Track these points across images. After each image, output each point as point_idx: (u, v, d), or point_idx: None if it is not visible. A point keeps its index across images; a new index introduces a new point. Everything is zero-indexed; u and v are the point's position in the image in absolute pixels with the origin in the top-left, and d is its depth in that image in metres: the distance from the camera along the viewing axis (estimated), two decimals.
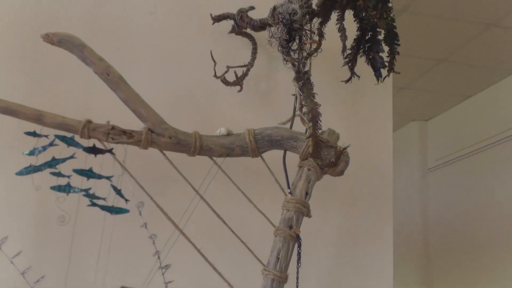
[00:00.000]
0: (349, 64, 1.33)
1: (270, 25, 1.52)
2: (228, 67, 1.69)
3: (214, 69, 1.64)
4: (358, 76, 1.37)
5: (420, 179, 5.35)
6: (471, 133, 5.04)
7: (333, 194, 1.77)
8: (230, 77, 1.68)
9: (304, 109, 1.45)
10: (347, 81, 1.36)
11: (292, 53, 1.50)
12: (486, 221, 4.51)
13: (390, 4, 1.32)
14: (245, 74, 1.71)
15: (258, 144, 1.45)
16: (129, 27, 1.73)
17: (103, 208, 1.35)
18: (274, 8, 1.51)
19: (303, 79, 1.48)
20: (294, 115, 1.52)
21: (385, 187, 1.83)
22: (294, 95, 1.51)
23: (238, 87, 1.69)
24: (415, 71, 4.67)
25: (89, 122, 1.36)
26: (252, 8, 1.70)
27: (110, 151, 1.37)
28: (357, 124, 1.82)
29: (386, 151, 1.85)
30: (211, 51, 1.64)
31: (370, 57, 1.28)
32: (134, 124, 1.38)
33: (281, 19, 1.47)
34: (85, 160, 1.36)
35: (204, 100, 1.74)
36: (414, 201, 5.27)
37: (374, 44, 1.28)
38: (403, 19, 3.47)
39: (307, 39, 1.49)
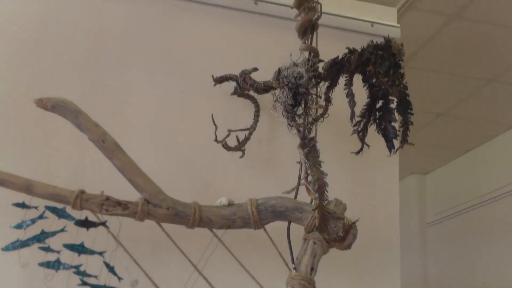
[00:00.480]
0: (360, 134, 1.25)
1: (274, 88, 1.47)
2: (230, 131, 1.62)
3: (215, 134, 1.57)
4: (368, 146, 1.30)
5: (419, 234, 5.25)
6: (471, 187, 4.98)
7: (337, 267, 1.67)
8: (232, 141, 1.60)
9: (310, 178, 1.38)
10: (358, 152, 1.29)
11: (297, 118, 1.43)
12: (487, 279, 4.40)
13: (402, 70, 1.25)
14: (247, 138, 1.64)
15: (261, 216, 1.37)
16: (126, 90, 1.66)
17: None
18: (279, 71, 1.44)
19: (308, 146, 1.41)
20: (299, 184, 1.43)
21: (393, 260, 1.74)
22: (299, 162, 1.44)
23: (240, 153, 1.61)
24: (414, 124, 4.58)
25: (82, 192, 1.27)
26: (255, 69, 1.64)
27: (103, 223, 1.28)
28: (363, 193, 1.74)
29: (394, 223, 1.76)
30: (212, 114, 1.57)
31: (382, 126, 1.21)
32: (130, 194, 1.29)
33: (286, 83, 1.41)
34: (76, 234, 1.27)
35: (205, 167, 1.66)
36: (413, 257, 5.15)
37: (386, 113, 1.21)
38: None
39: (313, 104, 1.42)
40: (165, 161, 1.61)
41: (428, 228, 5.26)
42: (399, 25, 1.86)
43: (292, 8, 1.47)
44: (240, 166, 1.64)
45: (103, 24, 1.69)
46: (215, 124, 1.57)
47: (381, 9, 1.89)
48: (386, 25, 1.85)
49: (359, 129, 1.26)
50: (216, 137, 1.58)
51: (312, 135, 1.43)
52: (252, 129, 1.65)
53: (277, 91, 1.45)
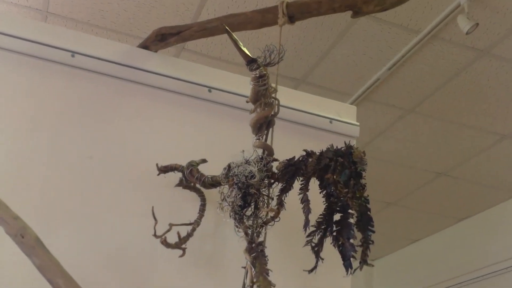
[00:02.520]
0: (315, 249, 1.13)
1: (222, 185, 1.35)
2: (171, 225, 1.48)
3: (154, 228, 1.43)
4: (322, 259, 1.18)
5: None
6: (418, 277, 4.94)
7: None
8: (173, 237, 1.46)
9: (255, 287, 1.24)
10: (311, 270, 1.17)
11: (245, 220, 1.32)
12: None
13: (363, 181, 1.16)
14: (189, 235, 1.50)
15: None
16: (57, 173, 1.51)
17: None
18: (229, 167, 1.34)
19: (256, 251, 1.29)
20: None
21: None
22: (244, 268, 1.31)
23: (180, 251, 1.47)
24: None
25: None
26: (204, 161, 1.53)
27: None
28: None
29: None
30: (152, 207, 1.43)
31: (340, 243, 1.10)
32: None
33: (236, 182, 1.30)
34: None
35: (139, 265, 1.49)
36: None
37: (345, 228, 1.10)
38: None
39: (264, 207, 1.31)
40: (94, 257, 1.44)
41: None
42: (358, 124, 1.79)
43: (247, 102, 1.38)
44: (178, 266, 1.49)
45: (40, 102, 1.55)
46: (155, 218, 1.43)
47: (341, 106, 1.83)
48: (345, 122, 1.78)
49: (314, 242, 1.14)
50: (155, 232, 1.43)
51: (261, 239, 1.32)
52: (196, 224, 1.51)
53: (226, 189, 1.33)
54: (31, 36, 1.56)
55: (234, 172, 1.31)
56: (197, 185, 1.51)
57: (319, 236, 1.14)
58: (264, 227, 1.31)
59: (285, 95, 1.58)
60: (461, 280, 4.48)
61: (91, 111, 1.58)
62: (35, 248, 1.15)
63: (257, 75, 1.35)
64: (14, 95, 1.55)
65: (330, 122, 1.76)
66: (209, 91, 1.69)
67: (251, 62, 1.35)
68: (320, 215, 1.18)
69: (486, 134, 3.55)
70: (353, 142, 1.75)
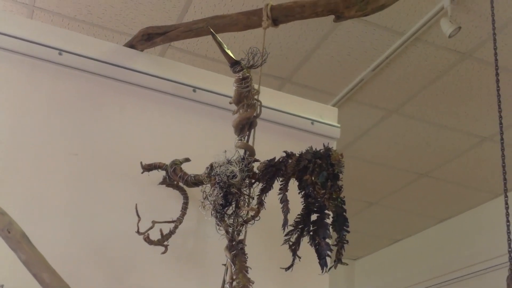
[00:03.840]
0: (293, 248, 1.17)
1: (204, 184, 1.38)
2: (154, 223, 1.51)
3: (137, 225, 1.46)
4: (299, 258, 1.22)
5: None
6: (400, 276, 4.99)
7: None
8: (155, 234, 1.49)
9: (235, 284, 1.28)
10: (288, 268, 1.20)
11: (226, 219, 1.35)
12: None
13: (340, 183, 1.19)
14: (172, 232, 1.53)
15: None
16: (43, 170, 1.53)
17: None
18: (211, 167, 1.37)
19: (236, 249, 1.32)
20: None
21: None
22: (225, 265, 1.34)
23: (162, 247, 1.50)
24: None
25: None
26: (187, 160, 1.55)
27: None
28: None
29: None
30: (136, 204, 1.46)
31: (316, 242, 1.13)
32: None
33: (218, 181, 1.33)
34: None
35: (121, 260, 1.51)
36: None
37: (321, 228, 1.14)
38: None
39: (245, 206, 1.35)
40: (78, 252, 1.47)
41: None
42: (339, 125, 1.83)
43: (230, 103, 1.41)
44: (160, 262, 1.52)
45: (26, 100, 1.57)
46: (138, 215, 1.46)
47: (323, 108, 1.86)
48: (326, 124, 1.81)
49: (291, 241, 1.17)
50: (138, 228, 1.46)
51: (241, 237, 1.35)
52: (178, 222, 1.55)
53: (208, 188, 1.36)
54: (18, 33, 1.58)
55: (216, 171, 1.34)
56: (180, 184, 1.54)
57: (296, 235, 1.18)
58: (244, 226, 1.35)
59: (268, 96, 1.62)
60: (442, 280, 4.54)
61: (77, 109, 1.60)
62: (21, 243, 1.17)
63: (240, 77, 1.38)
64: None
65: (312, 123, 1.79)
66: (194, 91, 1.72)
67: (234, 64, 1.38)
68: (298, 215, 1.21)
69: (467, 136, 3.60)
70: (333, 144, 1.79)
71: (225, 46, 1.39)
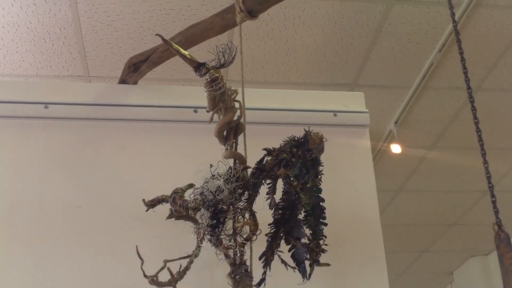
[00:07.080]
0: (263, 257, 0.96)
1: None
2: (165, 262, 1.35)
3: (142, 268, 1.31)
4: (270, 269, 1.00)
5: None
6: None
7: None
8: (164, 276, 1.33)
9: None
10: (258, 285, 0.99)
11: (224, 240, 1.18)
12: None
13: (320, 168, 0.98)
14: (186, 268, 1.36)
15: None
16: (47, 224, 1.45)
17: None
18: (190, 186, 1.22)
19: (239, 273, 1.14)
20: None
21: None
22: None
23: None
24: (464, 204, 4.22)
25: None
26: (191, 186, 1.39)
27: None
28: None
29: None
30: (136, 246, 1.32)
31: (290, 245, 0.92)
32: None
33: (202, 202, 1.17)
34: None
35: None
36: None
37: (294, 227, 0.92)
38: None
39: (238, 220, 1.16)
40: None
41: None
42: (367, 110, 1.59)
43: (207, 111, 1.25)
44: None
45: (21, 161, 1.52)
46: (140, 257, 1.32)
47: (344, 96, 1.64)
48: (352, 112, 1.58)
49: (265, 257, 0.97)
50: (144, 272, 1.32)
51: (245, 257, 1.16)
52: (194, 256, 1.38)
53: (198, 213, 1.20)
54: (3, 96, 1.54)
55: (199, 191, 1.19)
56: (190, 212, 1.39)
57: (269, 241, 0.97)
58: (246, 245, 1.16)
59: (278, 97, 1.45)
60: None
61: (74, 158, 1.52)
62: None
63: (208, 80, 1.23)
64: None
65: (335, 115, 1.57)
66: (195, 111, 1.58)
67: (198, 67, 1.23)
68: (274, 217, 1.01)
69: None
70: (365, 131, 1.55)
71: (185, 52, 1.25)
